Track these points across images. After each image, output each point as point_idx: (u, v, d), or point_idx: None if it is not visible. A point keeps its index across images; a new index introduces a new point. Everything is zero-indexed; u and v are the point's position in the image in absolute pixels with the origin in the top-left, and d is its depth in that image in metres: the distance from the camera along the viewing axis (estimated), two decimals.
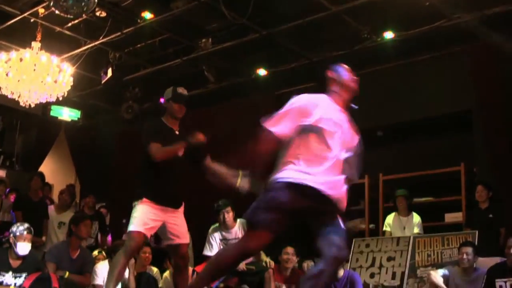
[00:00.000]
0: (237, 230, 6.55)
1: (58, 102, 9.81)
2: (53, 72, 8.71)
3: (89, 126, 12.24)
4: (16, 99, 8.78)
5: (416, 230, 7.69)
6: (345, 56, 8.49)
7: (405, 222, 7.86)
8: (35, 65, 8.54)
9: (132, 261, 6.31)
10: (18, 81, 8.57)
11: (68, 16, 7.88)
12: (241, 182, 4.23)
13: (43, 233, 8.11)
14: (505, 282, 5.81)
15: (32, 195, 8.38)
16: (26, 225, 6.15)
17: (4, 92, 8.71)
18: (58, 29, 8.94)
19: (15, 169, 12.24)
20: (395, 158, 8.86)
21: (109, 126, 11.91)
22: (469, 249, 6.19)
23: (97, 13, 8.46)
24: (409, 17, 7.98)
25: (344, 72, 3.95)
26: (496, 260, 6.19)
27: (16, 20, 8.65)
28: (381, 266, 7.23)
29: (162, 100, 5.37)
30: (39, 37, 8.70)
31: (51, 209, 8.58)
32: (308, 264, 6.83)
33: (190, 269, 6.19)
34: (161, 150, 4.76)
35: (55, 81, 8.78)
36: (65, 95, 9.05)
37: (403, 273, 7.02)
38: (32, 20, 8.65)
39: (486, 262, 6.24)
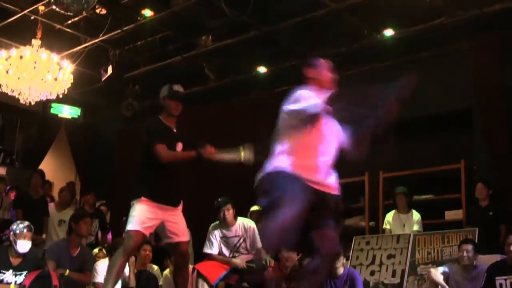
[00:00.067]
0: (237, 228, 6.55)
1: (58, 100, 9.81)
2: (53, 69, 8.72)
3: (89, 123, 12.25)
4: (16, 96, 8.78)
5: (415, 227, 7.69)
6: (345, 53, 8.50)
7: (404, 219, 7.85)
8: (35, 62, 8.55)
9: (133, 259, 6.31)
10: (18, 78, 8.58)
11: (68, 13, 7.89)
12: (244, 155, 4.35)
13: (43, 231, 8.11)
14: (505, 279, 5.81)
15: (32, 192, 8.37)
16: (26, 223, 6.15)
17: (4, 89, 8.72)
18: (58, 26, 8.95)
19: (15, 166, 12.23)
20: (396, 156, 8.85)
21: (109, 123, 11.93)
22: (469, 247, 6.19)
23: (97, 11, 8.47)
24: (409, 15, 7.97)
25: (322, 70, 4.00)
26: (496, 257, 6.19)
27: (16, 17, 8.66)
28: (381, 263, 7.23)
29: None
30: (39, 34, 8.70)
31: (51, 206, 8.58)
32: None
33: (190, 267, 6.19)
34: (169, 154, 4.79)
35: (55, 79, 8.79)
36: (65, 92, 9.06)
37: (403, 271, 7.02)
38: (32, 18, 8.66)
39: (486, 260, 6.24)
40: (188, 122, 5.97)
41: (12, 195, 9.06)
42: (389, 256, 7.23)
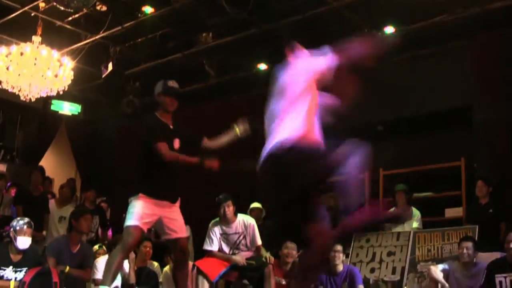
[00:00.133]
0: (237, 225, 6.54)
1: (58, 96, 9.82)
2: (54, 66, 8.73)
3: (89, 120, 12.25)
4: (17, 93, 8.79)
5: (415, 224, 7.69)
6: None
7: None
8: (35, 59, 8.56)
9: (133, 255, 6.31)
10: (19, 75, 8.59)
11: (69, 10, 7.89)
12: (239, 130, 4.38)
13: (44, 228, 8.11)
14: (505, 277, 5.81)
15: (33, 189, 8.38)
16: (26, 219, 6.15)
17: (4, 86, 8.73)
18: (58, 23, 8.95)
19: (15, 163, 12.24)
20: (396, 153, 8.86)
21: (110, 120, 11.93)
22: (469, 244, 6.19)
23: (98, 7, 8.47)
24: (409, 13, 7.97)
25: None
26: (496, 255, 6.19)
27: (17, 14, 8.66)
28: (381, 261, 7.24)
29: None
30: (39, 31, 8.71)
31: (52, 203, 8.58)
32: None
33: (190, 264, 6.19)
34: (172, 154, 4.79)
35: (56, 75, 8.80)
36: (66, 89, 9.07)
37: (403, 268, 7.03)
38: (32, 14, 8.66)
39: (486, 257, 6.24)
40: (188, 119, 5.98)
41: (13, 192, 9.06)
42: (389, 254, 7.24)
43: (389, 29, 8.37)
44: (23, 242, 5.98)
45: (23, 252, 6.02)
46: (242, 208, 7.17)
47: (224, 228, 6.53)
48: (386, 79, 8.78)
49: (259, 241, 6.56)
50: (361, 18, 8.30)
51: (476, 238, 6.51)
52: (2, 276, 5.86)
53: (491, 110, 7.89)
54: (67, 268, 6.11)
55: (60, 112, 11.64)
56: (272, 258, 6.63)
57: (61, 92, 9.06)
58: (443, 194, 8.24)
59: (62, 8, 7.72)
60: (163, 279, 6.98)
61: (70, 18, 8.85)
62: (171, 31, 9.15)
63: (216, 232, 6.54)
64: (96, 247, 7.50)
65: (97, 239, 8.72)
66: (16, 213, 7.96)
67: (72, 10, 8.01)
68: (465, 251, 6.16)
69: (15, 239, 5.98)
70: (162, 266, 7.33)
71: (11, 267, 5.93)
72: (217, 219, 6.59)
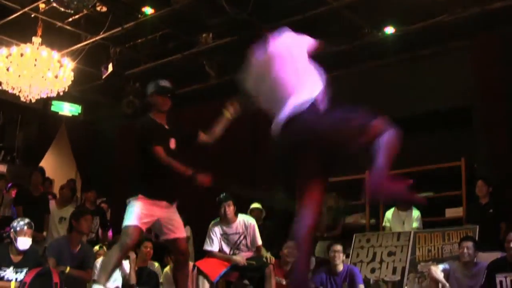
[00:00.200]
0: (237, 225, 6.54)
1: (58, 97, 9.81)
2: (54, 67, 8.73)
3: (90, 121, 12.26)
4: (17, 94, 8.80)
5: (415, 224, 7.69)
6: (346, 51, 8.50)
7: (404, 216, 7.85)
8: (35, 60, 8.56)
9: (134, 256, 6.31)
10: (19, 76, 8.59)
11: (69, 11, 7.89)
12: (229, 112, 4.38)
13: (44, 228, 8.11)
14: (505, 277, 5.82)
15: (33, 190, 8.38)
16: (27, 220, 6.15)
17: (4, 87, 8.73)
18: (58, 24, 8.95)
19: (15, 164, 12.24)
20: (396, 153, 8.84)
21: (110, 121, 11.92)
22: (470, 244, 6.20)
23: (98, 8, 8.46)
24: (410, 13, 7.97)
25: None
26: (497, 255, 6.20)
27: (17, 15, 8.66)
28: (381, 261, 7.25)
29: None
30: (39, 32, 8.71)
31: (52, 204, 8.59)
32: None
33: (191, 264, 6.19)
34: (168, 159, 4.77)
35: (56, 76, 8.80)
36: (66, 90, 9.07)
37: (403, 268, 7.03)
38: (32, 15, 8.66)
39: (487, 257, 6.25)
40: (188, 119, 5.98)
41: (13, 193, 9.06)
42: (390, 254, 7.25)
43: (390, 29, 8.37)
44: (24, 242, 5.99)
45: (24, 252, 6.02)
46: (242, 208, 7.17)
47: (224, 228, 6.53)
48: (386, 79, 8.79)
49: (259, 241, 6.56)
50: (361, 18, 8.30)
51: (477, 238, 6.51)
52: (3, 276, 5.86)
53: (491, 110, 7.89)
54: (68, 268, 6.11)
55: (60, 113, 11.63)
56: (273, 258, 6.63)
57: (61, 93, 9.06)
58: (443, 194, 8.23)
59: (62, 9, 7.72)
60: (164, 279, 6.98)
61: (70, 19, 8.85)
62: (171, 31, 9.15)
63: (216, 232, 6.54)
64: (96, 247, 7.49)
65: (97, 239, 8.72)
66: (16, 214, 7.97)
67: (72, 11, 8.00)
68: (465, 251, 6.17)
69: (16, 239, 5.98)
70: (162, 266, 7.34)
71: (11, 267, 5.93)
72: (218, 219, 6.59)
